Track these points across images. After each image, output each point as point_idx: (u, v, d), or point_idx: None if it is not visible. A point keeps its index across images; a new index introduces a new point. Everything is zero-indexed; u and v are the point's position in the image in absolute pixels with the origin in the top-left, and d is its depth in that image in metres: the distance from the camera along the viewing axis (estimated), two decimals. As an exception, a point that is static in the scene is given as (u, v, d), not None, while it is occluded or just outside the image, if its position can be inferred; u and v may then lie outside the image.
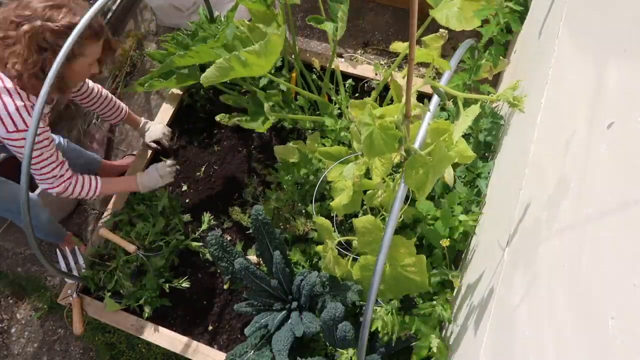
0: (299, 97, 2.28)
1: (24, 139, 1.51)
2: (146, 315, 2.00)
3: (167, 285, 2.03)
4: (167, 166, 2.12)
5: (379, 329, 1.48)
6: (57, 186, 1.76)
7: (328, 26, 1.80)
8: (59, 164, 1.74)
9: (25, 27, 1.43)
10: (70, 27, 1.45)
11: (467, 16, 1.61)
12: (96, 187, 1.88)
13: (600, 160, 0.80)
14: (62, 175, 1.75)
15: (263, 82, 2.22)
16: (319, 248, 1.61)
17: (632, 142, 0.70)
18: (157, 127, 2.32)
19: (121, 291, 2.01)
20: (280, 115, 1.99)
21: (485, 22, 1.69)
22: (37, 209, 2.11)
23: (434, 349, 1.38)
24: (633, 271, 0.60)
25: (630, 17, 0.84)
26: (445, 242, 1.46)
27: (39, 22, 1.44)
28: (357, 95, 2.40)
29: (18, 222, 2.21)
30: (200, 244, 2.15)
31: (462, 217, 1.54)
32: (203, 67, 1.72)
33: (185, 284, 2.05)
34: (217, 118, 1.89)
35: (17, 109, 1.51)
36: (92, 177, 1.89)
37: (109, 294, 2.01)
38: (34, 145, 1.44)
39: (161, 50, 1.94)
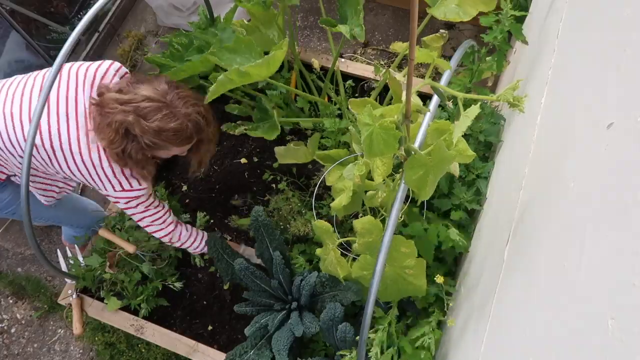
0: (298, 98, 2.28)
1: (128, 197, 1.63)
2: (142, 314, 2.00)
3: (160, 284, 2.02)
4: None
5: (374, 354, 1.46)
6: (160, 230, 1.81)
7: (344, 28, 1.78)
8: (162, 214, 1.78)
9: (119, 117, 1.43)
10: (158, 132, 1.45)
11: (466, 9, 1.62)
12: (200, 242, 1.93)
13: (600, 160, 0.80)
14: (164, 222, 1.80)
15: (262, 83, 2.23)
16: (319, 251, 1.61)
17: (632, 142, 0.70)
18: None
19: (123, 292, 2.02)
20: (282, 120, 2.00)
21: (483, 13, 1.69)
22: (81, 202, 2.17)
23: None
24: (633, 271, 0.60)
25: (630, 17, 0.84)
26: (440, 279, 1.45)
27: (131, 118, 1.43)
28: (356, 95, 2.40)
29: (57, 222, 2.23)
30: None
31: (454, 235, 1.52)
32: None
33: (178, 284, 2.05)
34: (224, 128, 1.91)
35: (115, 174, 1.57)
36: (199, 231, 1.94)
37: (111, 293, 2.01)
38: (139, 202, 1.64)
39: (159, 56, 1.95)
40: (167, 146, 1.52)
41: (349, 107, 1.37)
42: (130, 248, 1.97)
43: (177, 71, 1.76)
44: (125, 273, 2.01)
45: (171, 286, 2.05)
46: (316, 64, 2.34)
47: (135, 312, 2.04)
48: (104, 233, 2.03)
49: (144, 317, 2.03)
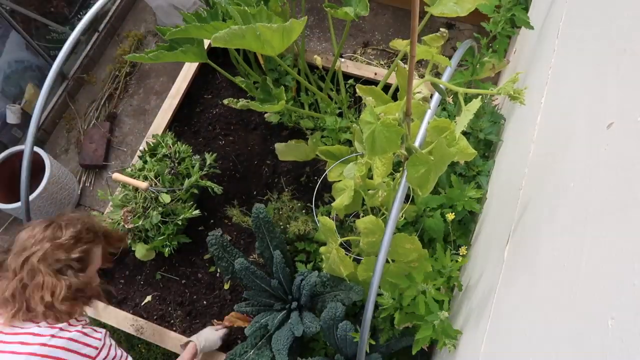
0: (301, 94, 2.29)
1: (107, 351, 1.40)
2: (167, 252, 2.04)
3: (180, 220, 2.03)
4: (222, 334, 1.98)
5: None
6: None
7: (348, 9, 1.79)
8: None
9: (36, 255, 1.35)
10: (75, 237, 1.40)
11: (463, 5, 1.62)
12: None
13: (600, 160, 0.80)
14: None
15: (270, 77, 2.24)
16: (323, 249, 1.61)
17: (632, 142, 0.70)
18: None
19: (148, 239, 2.05)
20: (288, 106, 1.99)
21: (486, 18, 1.69)
22: None
23: (441, 318, 1.28)
24: (633, 271, 0.60)
25: (630, 17, 0.84)
26: (450, 216, 1.44)
27: (47, 244, 1.36)
28: (356, 95, 2.40)
29: None
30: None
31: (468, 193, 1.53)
32: (211, 51, 1.69)
33: (196, 212, 2.07)
34: (225, 102, 1.88)
35: (80, 335, 1.36)
36: None
37: (138, 241, 2.05)
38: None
39: (189, 13, 1.93)
40: (91, 252, 1.44)
41: (357, 90, 1.36)
42: (142, 185, 1.99)
43: (199, 28, 1.73)
44: (144, 217, 2.02)
45: (190, 216, 2.04)
46: (318, 60, 2.34)
47: (136, 313, 2.04)
48: (117, 177, 2.05)
49: (169, 256, 2.05)
